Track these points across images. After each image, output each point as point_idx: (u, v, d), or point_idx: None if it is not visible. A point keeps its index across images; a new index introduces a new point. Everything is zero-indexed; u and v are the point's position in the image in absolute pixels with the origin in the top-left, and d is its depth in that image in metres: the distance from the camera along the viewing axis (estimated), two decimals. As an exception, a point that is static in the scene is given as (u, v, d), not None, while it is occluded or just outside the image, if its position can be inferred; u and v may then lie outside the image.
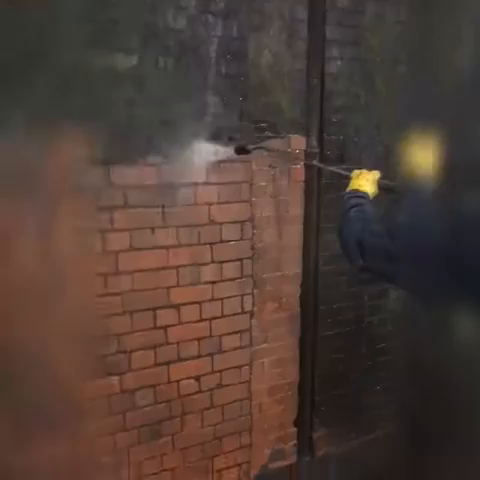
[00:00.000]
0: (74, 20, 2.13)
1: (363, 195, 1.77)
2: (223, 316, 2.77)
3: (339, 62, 2.91)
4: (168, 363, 2.61)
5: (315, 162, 2.79)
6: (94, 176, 2.25)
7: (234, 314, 2.81)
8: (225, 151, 2.57)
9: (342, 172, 2.18)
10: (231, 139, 2.59)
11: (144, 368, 2.54)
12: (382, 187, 1.86)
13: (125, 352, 2.47)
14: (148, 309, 2.51)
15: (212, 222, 2.65)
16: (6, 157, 1.98)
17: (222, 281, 2.74)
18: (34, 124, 2.06)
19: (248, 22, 2.58)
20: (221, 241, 2.70)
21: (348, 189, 1.84)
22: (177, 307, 2.59)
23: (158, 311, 2.54)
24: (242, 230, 2.76)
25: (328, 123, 2.91)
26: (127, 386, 2.50)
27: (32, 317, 2.12)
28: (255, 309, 2.88)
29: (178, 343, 2.63)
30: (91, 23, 2.13)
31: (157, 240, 2.48)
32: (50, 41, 2.10)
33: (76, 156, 2.19)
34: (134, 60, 2.24)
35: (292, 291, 3.01)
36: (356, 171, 1.91)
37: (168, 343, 2.59)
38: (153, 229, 2.46)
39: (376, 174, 1.87)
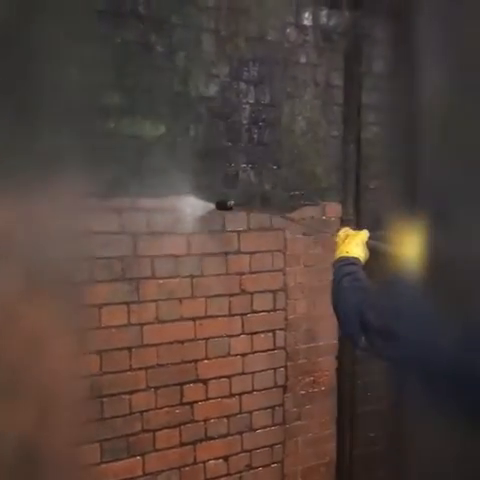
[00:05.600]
0: (104, 88, 2.12)
1: (354, 261, 1.56)
2: (254, 391, 2.62)
3: (375, 127, 2.83)
4: (194, 442, 2.46)
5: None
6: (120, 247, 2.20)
7: (266, 389, 2.66)
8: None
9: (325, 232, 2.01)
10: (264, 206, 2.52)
11: (169, 448, 2.40)
12: (373, 249, 1.63)
13: (149, 431, 2.34)
14: (174, 384, 2.39)
15: (243, 292, 2.54)
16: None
17: (253, 353, 2.61)
18: (61, 191, 2.02)
19: (281, 89, 2.54)
20: (252, 311, 2.59)
21: (336, 257, 1.62)
22: (205, 382, 2.46)
23: (184, 386, 2.41)
24: (275, 300, 2.65)
25: (365, 190, 2.82)
26: (150, 468, 2.35)
27: (46, 393, 2.03)
28: (288, 383, 2.72)
29: (205, 421, 2.48)
30: (121, 91, 2.12)
31: (185, 311, 2.38)
32: (80, 108, 2.09)
33: (101, 225, 2.15)
34: (163, 128, 2.20)
35: (328, 364, 2.86)
36: (341, 234, 1.68)
37: (194, 421, 2.45)
38: (181, 300, 2.37)
39: (364, 235, 1.63)
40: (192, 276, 2.39)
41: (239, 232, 2.50)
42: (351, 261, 1.57)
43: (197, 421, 2.46)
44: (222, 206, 2.27)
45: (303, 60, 2.59)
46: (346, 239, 1.65)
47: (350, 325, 1.38)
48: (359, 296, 1.41)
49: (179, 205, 2.31)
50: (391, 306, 1.32)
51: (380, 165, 2.86)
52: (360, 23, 2.71)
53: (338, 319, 1.47)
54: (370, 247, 1.63)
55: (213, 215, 2.41)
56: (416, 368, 1.29)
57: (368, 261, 1.63)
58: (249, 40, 2.41)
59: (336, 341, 2.86)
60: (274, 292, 2.64)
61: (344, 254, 1.60)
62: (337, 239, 1.68)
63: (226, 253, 2.48)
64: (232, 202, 2.28)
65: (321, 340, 2.82)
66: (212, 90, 2.35)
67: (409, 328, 1.25)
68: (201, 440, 2.48)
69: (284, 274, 2.66)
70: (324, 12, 2.63)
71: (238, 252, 2.52)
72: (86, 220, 2.10)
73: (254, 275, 2.57)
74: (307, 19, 2.58)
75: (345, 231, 1.68)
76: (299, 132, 2.61)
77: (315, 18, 2.60)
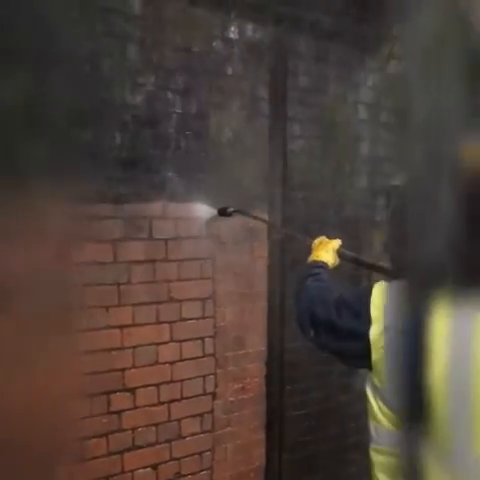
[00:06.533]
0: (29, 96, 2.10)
1: (322, 265, 1.74)
2: (183, 398, 2.63)
3: (301, 140, 2.92)
4: (122, 452, 2.45)
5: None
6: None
7: (195, 396, 2.67)
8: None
9: (302, 238, 2.14)
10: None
11: (96, 457, 2.37)
12: (343, 257, 1.82)
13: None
14: (101, 393, 2.37)
15: (172, 299, 2.56)
16: None
17: (182, 361, 2.62)
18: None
19: (208, 99, 2.59)
20: (181, 319, 2.60)
21: (308, 260, 1.81)
22: (132, 390, 2.46)
23: (111, 395, 2.40)
24: (203, 308, 2.67)
25: (291, 200, 2.90)
26: (77, 478, 2.32)
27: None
28: (217, 390, 2.75)
29: (133, 429, 2.47)
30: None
31: (111, 319, 2.37)
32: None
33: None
34: (88, 136, 2.21)
35: (257, 370, 2.90)
36: (316, 241, 1.88)
37: (122, 430, 2.44)
38: (107, 308, 2.36)
39: (336, 243, 1.83)
40: (118, 284, 2.39)
41: (166, 240, 2.52)
42: (319, 265, 1.74)
43: (125, 430, 2.44)
44: (222, 212, 2.50)
45: (229, 72, 2.66)
46: (319, 245, 1.84)
47: (303, 318, 1.54)
48: (316, 293, 1.55)
49: (105, 212, 2.31)
50: (334, 301, 1.45)
51: (306, 176, 2.95)
52: (285, 38, 2.80)
53: (296, 313, 1.61)
54: (341, 255, 1.81)
55: (140, 222, 2.42)
56: (350, 361, 1.47)
57: (338, 266, 1.81)
58: (175, 50, 2.46)
59: (264, 348, 2.92)
60: (203, 300, 2.67)
61: (315, 258, 1.79)
62: (312, 245, 1.88)
63: (153, 261, 2.49)
64: (232, 209, 2.49)
65: (250, 347, 2.86)
66: (138, 99, 2.37)
67: (343, 321, 1.39)
68: (129, 449, 2.46)
69: (213, 282, 2.69)
70: (250, 26, 2.70)
71: (166, 260, 2.53)
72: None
73: (183, 283, 2.59)
74: (233, 32, 2.65)
75: (320, 239, 1.87)
76: (226, 142, 2.67)
77: (241, 31, 2.67)
